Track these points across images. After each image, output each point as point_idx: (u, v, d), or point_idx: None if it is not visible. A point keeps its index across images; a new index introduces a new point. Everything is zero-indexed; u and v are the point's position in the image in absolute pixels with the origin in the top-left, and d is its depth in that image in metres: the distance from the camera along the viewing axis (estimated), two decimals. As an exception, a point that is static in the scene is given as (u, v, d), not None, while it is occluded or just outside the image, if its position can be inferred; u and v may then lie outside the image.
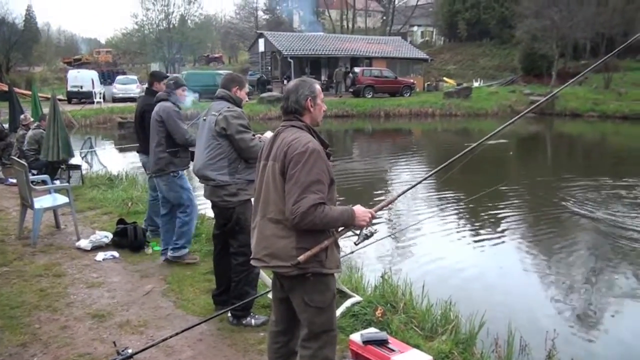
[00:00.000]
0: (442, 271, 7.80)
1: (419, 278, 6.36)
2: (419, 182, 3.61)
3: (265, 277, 5.24)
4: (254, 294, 4.77)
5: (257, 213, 2.98)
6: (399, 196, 3.28)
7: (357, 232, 3.02)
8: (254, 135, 4.55)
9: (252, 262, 3.05)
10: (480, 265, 7.89)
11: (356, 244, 3.03)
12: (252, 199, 3.24)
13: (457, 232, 9.56)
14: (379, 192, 13.59)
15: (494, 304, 6.35)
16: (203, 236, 7.51)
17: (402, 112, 37.41)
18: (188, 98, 6.08)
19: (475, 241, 9.00)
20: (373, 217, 2.98)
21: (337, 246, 2.98)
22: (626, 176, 14.69)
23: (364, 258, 7.64)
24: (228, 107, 4.51)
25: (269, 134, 4.58)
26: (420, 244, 8.95)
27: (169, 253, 6.60)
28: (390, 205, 3.22)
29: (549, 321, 5.85)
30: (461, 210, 10.97)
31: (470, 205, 11.02)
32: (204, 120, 4.70)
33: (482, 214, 10.65)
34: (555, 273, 7.50)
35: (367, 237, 3.01)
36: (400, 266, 7.30)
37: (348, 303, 5.10)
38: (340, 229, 2.96)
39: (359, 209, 2.92)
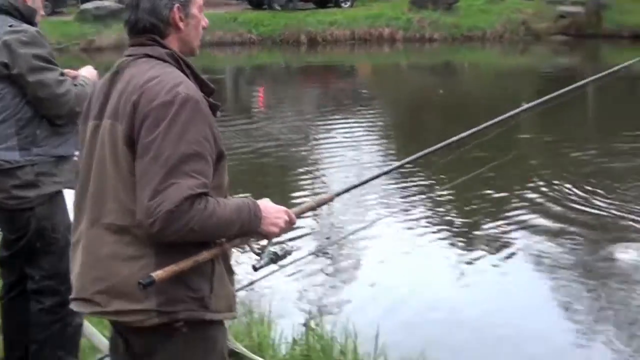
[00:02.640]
0: (408, 308, 6.01)
1: (370, 323, 4.91)
2: (376, 177, 2.99)
3: (96, 334, 4.13)
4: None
5: (83, 217, 2.31)
6: (337, 195, 2.68)
7: (259, 247, 2.34)
8: (62, 74, 3.65)
9: (73, 306, 2.36)
10: (470, 298, 6.22)
11: (256, 269, 2.34)
12: (70, 191, 2.89)
13: (430, 242, 7.60)
14: (302, 181, 10.15)
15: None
16: None
17: (339, 35, 26.38)
18: None
19: (460, 258, 7.10)
20: (291, 222, 2.36)
21: (229, 269, 2.33)
22: None
23: (275, 292, 6.03)
24: (10, 27, 3.57)
25: (89, 72, 3.85)
26: (369, 266, 6.93)
27: None
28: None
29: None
30: (435, 206, 8.79)
31: (450, 197, 8.85)
32: None
33: (471, 211, 8.54)
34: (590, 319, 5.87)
35: (275, 257, 2.35)
36: (337, 305, 5.73)
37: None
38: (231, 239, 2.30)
39: (267, 205, 2.31)
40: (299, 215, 2.49)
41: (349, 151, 11.65)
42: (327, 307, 5.37)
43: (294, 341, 4.52)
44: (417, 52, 25.99)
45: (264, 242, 2.42)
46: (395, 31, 26.32)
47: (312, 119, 14.80)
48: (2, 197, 3.57)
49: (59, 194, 3.67)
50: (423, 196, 9.25)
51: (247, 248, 2.41)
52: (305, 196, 8.33)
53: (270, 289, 5.99)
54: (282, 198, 8.19)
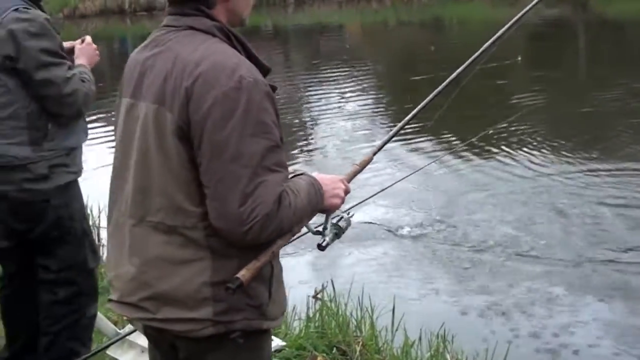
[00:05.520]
0: (427, 281, 5.79)
1: (387, 295, 4.86)
2: (395, 133, 2.69)
3: (102, 317, 3.87)
4: (85, 353, 3.64)
5: (121, 211, 2.07)
6: (374, 154, 2.46)
7: (315, 225, 2.13)
8: (70, 67, 3.35)
9: (116, 309, 2.18)
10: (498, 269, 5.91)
11: (323, 248, 2.13)
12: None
13: (446, 212, 7.15)
14: (301, 147, 9.83)
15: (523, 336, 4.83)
16: None
17: None
18: None
19: (477, 221, 6.79)
20: (347, 191, 2.18)
21: (280, 267, 2.11)
22: None
23: (286, 268, 5.51)
24: (16, 10, 3.22)
25: (88, 54, 3.52)
26: (382, 237, 6.65)
27: None
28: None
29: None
30: (451, 164, 8.51)
31: (462, 156, 8.57)
32: None
33: (488, 169, 8.30)
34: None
35: (339, 231, 2.15)
36: (351, 279, 5.29)
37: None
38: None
39: (323, 177, 2.11)
40: (349, 181, 2.34)
41: (349, 104, 11.59)
42: (340, 282, 5.15)
43: (308, 318, 4.42)
44: (404, 10, 25.76)
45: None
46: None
47: (302, 82, 14.54)
48: (12, 190, 3.40)
49: (73, 183, 3.52)
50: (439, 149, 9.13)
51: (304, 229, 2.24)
52: (305, 162, 8.13)
53: (283, 259, 5.59)
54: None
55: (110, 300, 2.19)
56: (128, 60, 2.15)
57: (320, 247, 2.19)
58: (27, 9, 3.25)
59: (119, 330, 3.82)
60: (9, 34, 3.18)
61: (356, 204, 3.44)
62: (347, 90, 13.15)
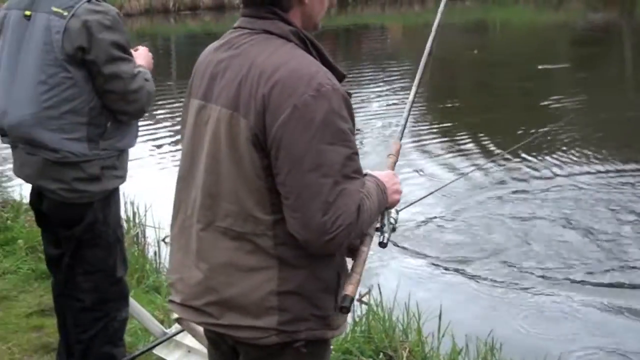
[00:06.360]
0: (472, 285, 5.65)
1: (433, 300, 4.75)
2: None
3: (147, 315, 3.75)
4: (121, 354, 3.56)
5: (187, 214, 2.06)
6: (402, 133, 2.49)
7: (380, 222, 2.09)
8: (135, 64, 3.27)
9: (179, 312, 2.12)
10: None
11: (384, 245, 2.10)
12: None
13: (499, 198, 7.15)
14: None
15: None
16: (20, 243, 5.25)
17: None
18: None
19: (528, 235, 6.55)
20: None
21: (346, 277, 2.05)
22: None
23: None
24: (89, 1, 3.10)
25: (146, 59, 3.42)
26: (430, 240, 6.51)
27: None
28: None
29: None
30: (495, 165, 8.38)
31: (504, 161, 8.40)
32: (25, 18, 3.20)
33: (534, 175, 8.10)
34: None
35: (393, 226, 2.13)
36: (398, 284, 5.17)
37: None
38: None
39: (380, 174, 2.08)
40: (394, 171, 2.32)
41: (382, 113, 11.24)
42: (386, 285, 5.07)
43: (355, 322, 4.34)
44: (448, 11, 25.16)
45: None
46: (426, -10, 25.86)
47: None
48: (60, 189, 3.27)
49: (116, 190, 3.44)
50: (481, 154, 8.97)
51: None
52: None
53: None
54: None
55: (171, 302, 2.17)
56: (199, 60, 2.12)
57: (382, 245, 2.14)
58: (99, 1, 3.18)
59: (165, 330, 3.72)
60: (83, 25, 3.08)
61: (407, 206, 3.39)
62: (385, 89, 13.07)
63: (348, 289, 1.92)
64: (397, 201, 2.16)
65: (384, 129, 10.17)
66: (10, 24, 3.25)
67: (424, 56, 2.59)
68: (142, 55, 3.45)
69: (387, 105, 11.71)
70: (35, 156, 3.20)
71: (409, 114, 2.59)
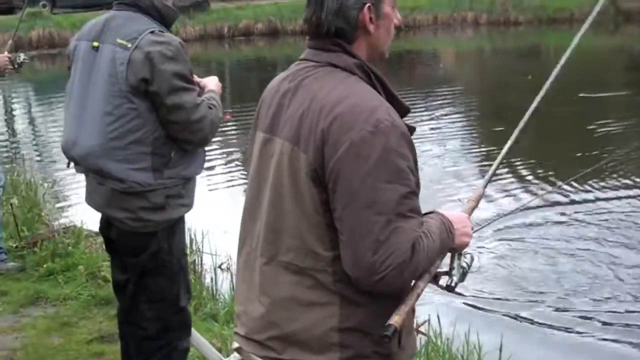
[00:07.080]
0: (534, 316, 5.47)
1: (493, 333, 4.63)
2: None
3: (205, 344, 3.84)
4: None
5: (252, 247, 2.05)
6: (485, 187, 2.32)
7: (449, 266, 2.03)
8: (199, 93, 3.28)
9: (242, 344, 2.09)
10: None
11: (452, 289, 1.99)
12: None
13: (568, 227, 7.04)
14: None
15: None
16: (80, 269, 5.30)
17: (421, 20, 25.82)
18: None
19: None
20: (472, 228, 2.10)
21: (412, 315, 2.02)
22: None
23: None
24: (152, 32, 3.12)
25: (216, 86, 3.46)
26: (487, 269, 6.35)
27: None
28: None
29: None
30: (558, 194, 8.12)
31: (568, 189, 8.19)
32: (93, 49, 3.24)
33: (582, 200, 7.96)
34: None
35: (465, 271, 2.02)
36: (457, 315, 5.22)
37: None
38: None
39: (451, 215, 2.01)
40: (470, 214, 2.25)
41: (437, 139, 11.05)
42: (445, 317, 5.02)
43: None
44: (500, 35, 25.06)
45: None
46: (479, 14, 25.76)
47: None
48: (126, 218, 3.29)
49: (180, 219, 3.44)
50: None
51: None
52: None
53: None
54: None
55: (236, 334, 2.17)
56: (266, 90, 2.11)
57: (450, 288, 2.07)
58: (162, 32, 3.21)
59: (223, 358, 3.70)
60: (146, 56, 3.10)
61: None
62: (438, 115, 12.94)
63: (393, 319, 1.88)
64: (466, 244, 2.10)
65: (437, 158, 9.99)
66: (81, 55, 3.27)
67: (530, 109, 2.56)
68: (212, 81, 3.45)
69: (444, 137, 11.47)
70: (104, 185, 3.23)
71: (498, 165, 2.55)
